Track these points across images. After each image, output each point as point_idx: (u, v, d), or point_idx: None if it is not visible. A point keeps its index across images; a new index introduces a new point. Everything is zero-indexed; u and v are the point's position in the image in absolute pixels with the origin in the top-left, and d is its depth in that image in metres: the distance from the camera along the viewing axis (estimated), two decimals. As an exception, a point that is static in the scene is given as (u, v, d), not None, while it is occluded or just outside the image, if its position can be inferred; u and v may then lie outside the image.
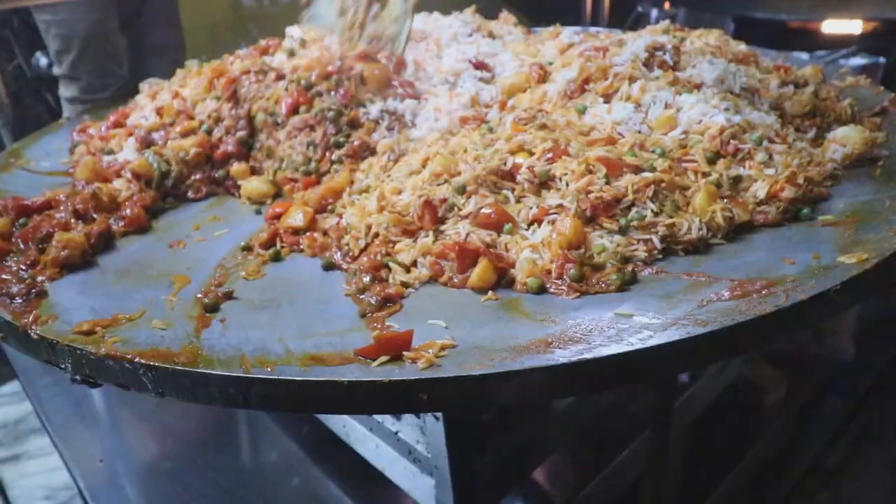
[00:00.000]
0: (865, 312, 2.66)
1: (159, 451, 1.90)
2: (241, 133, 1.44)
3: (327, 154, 1.36)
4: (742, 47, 1.70)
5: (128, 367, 0.93)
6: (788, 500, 2.50)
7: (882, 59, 2.92)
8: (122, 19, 2.82)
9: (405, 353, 0.89)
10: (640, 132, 1.26)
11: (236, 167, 1.45)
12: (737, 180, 1.18)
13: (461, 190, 1.17)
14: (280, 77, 1.47)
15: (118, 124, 1.69)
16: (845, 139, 1.32)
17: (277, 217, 1.32)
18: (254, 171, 1.47)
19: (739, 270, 1.03)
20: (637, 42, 1.47)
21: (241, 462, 1.86)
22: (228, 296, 1.12)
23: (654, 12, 3.06)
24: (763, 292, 0.94)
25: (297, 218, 1.24)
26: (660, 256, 1.10)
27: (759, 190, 1.15)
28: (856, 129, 1.34)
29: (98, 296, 1.14)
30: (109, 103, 2.38)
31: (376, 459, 1.51)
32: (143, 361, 0.92)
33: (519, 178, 1.19)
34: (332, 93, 1.40)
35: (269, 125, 1.42)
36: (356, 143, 1.36)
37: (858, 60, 2.92)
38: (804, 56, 2.85)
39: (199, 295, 1.13)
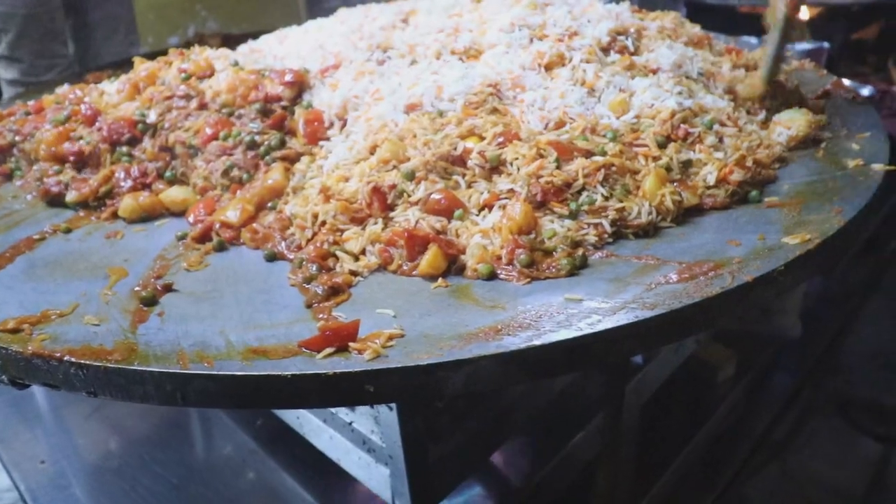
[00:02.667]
0: (811, 291, 2.75)
1: (106, 448, 1.83)
2: (156, 165, 1.36)
3: (259, 162, 1.30)
4: (696, 30, 1.71)
5: (57, 366, 0.88)
6: (739, 473, 2.58)
7: (826, 44, 2.99)
8: None
9: (351, 344, 0.86)
10: (592, 116, 1.25)
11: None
12: (687, 164, 1.18)
13: (410, 176, 1.14)
14: (203, 106, 1.40)
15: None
16: (790, 122, 1.34)
17: (203, 216, 1.25)
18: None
19: (688, 253, 1.03)
20: (601, 25, 1.45)
21: (192, 457, 1.81)
22: (168, 288, 1.07)
23: (607, -3, 3.05)
24: (710, 274, 0.95)
25: (231, 214, 1.18)
26: (610, 240, 1.09)
27: (709, 174, 1.15)
28: (800, 112, 1.36)
29: (26, 291, 1.08)
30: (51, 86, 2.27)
31: (331, 450, 1.48)
32: (73, 360, 0.87)
33: (470, 163, 1.17)
34: (254, 122, 1.34)
35: (185, 154, 1.35)
36: (288, 148, 1.31)
37: (804, 45, 2.99)
38: (753, 40, 2.90)
39: (137, 288, 1.08)
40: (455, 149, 1.18)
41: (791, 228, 1.05)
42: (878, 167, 1.19)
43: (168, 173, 1.36)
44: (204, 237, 1.21)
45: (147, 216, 1.30)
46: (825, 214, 1.07)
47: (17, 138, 1.51)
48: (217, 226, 1.21)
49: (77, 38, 2.78)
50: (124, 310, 1.02)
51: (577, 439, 1.70)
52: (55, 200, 1.39)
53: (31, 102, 1.72)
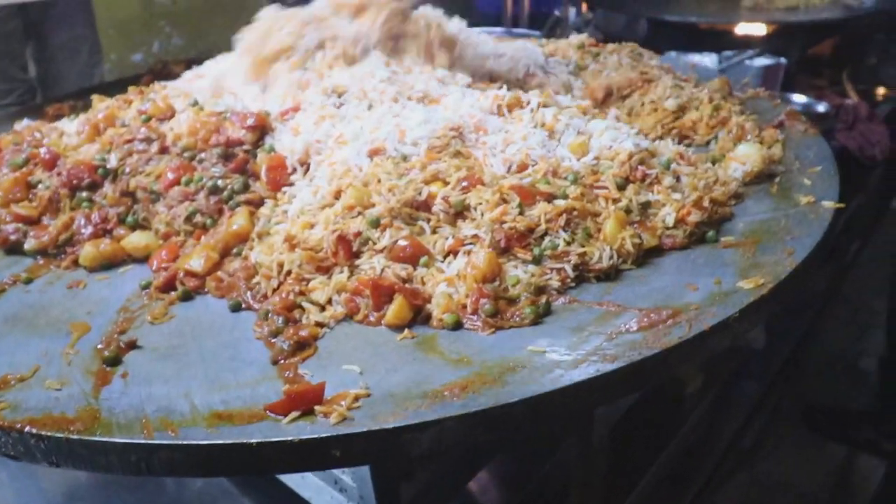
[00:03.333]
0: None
1: (73, 492, 1.80)
2: (117, 210, 1.34)
3: (223, 207, 1.30)
4: (654, 61, 1.75)
5: (18, 437, 0.86)
6: (709, 483, 2.63)
7: (783, 60, 3.08)
8: (26, 18, 2.60)
9: (317, 407, 0.86)
10: (554, 158, 1.27)
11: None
12: (646, 205, 1.21)
13: (375, 223, 1.15)
14: (163, 149, 1.38)
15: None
16: (745, 157, 1.38)
17: (167, 263, 1.24)
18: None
19: (647, 298, 1.06)
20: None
21: (162, 497, 1.78)
22: (132, 345, 1.06)
23: (572, 15, 3.11)
24: (668, 322, 0.97)
25: (196, 262, 1.17)
26: (573, 285, 1.12)
27: (668, 216, 1.18)
28: (755, 148, 1.40)
29: (-15, 351, 1.06)
30: (10, 112, 2.22)
31: (303, 489, 1.48)
32: (34, 431, 0.86)
33: (434, 208, 1.18)
34: (216, 166, 1.33)
35: (147, 199, 1.34)
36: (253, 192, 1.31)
37: (763, 61, 3.07)
38: (712, 63, 2.98)
39: (100, 345, 1.06)
40: (419, 194, 1.19)
41: (746, 271, 1.08)
42: (828, 205, 1.23)
43: (130, 218, 1.35)
44: (168, 286, 1.20)
45: (109, 264, 1.29)
46: (778, 256, 1.11)
47: (-28, 182, 1.47)
48: (181, 274, 1.20)
49: (39, 59, 2.72)
50: (87, 371, 1.00)
51: (549, 465, 1.72)
52: (14, 248, 1.37)
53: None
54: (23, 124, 1.80)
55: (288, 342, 1.02)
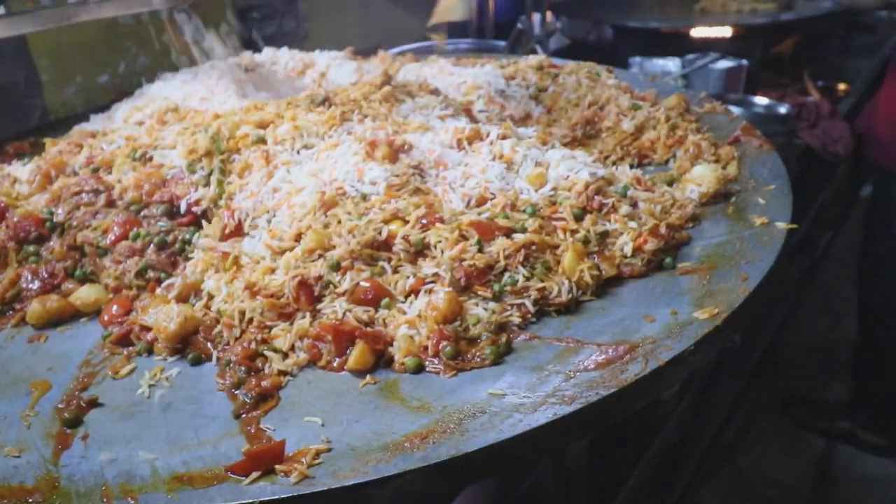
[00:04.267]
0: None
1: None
2: (65, 264, 1.33)
3: (176, 259, 1.29)
4: (612, 81, 1.77)
5: (-26, 513, 0.85)
6: (692, 480, 2.67)
7: (745, 62, 3.13)
8: None
9: (277, 466, 0.87)
10: (512, 190, 1.28)
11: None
12: (604, 235, 1.22)
13: (336, 266, 1.15)
14: (110, 202, 1.37)
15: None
16: (701, 178, 1.40)
17: (119, 319, 1.22)
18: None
19: (606, 332, 1.07)
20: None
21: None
22: (93, 403, 1.05)
23: (537, 26, 3.12)
24: (625, 358, 0.99)
25: (169, 322, 1.12)
26: (533, 319, 1.13)
27: (625, 245, 1.20)
28: (710, 168, 1.42)
29: (-58, 417, 1.05)
30: None
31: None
32: (-10, 505, 0.85)
33: (395, 247, 1.19)
34: (161, 221, 1.32)
35: (94, 254, 1.32)
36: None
37: (725, 63, 3.12)
38: (676, 67, 3.01)
39: (60, 405, 1.05)
40: (380, 233, 1.20)
41: (701, 300, 1.10)
42: (781, 226, 1.26)
43: (78, 272, 1.32)
44: (124, 341, 1.18)
45: (57, 321, 1.26)
46: (732, 282, 1.13)
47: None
48: (137, 328, 1.18)
49: None
50: (47, 434, 0.99)
51: (526, 484, 1.73)
52: None
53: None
54: (-23, 167, 1.79)
55: (250, 394, 1.02)
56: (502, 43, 3.34)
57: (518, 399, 0.94)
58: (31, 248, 1.36)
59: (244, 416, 1.00)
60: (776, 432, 3.52)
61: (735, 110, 2.20)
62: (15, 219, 1.37)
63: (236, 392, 1.04)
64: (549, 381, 0.97)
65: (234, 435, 0.96)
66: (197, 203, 1.34)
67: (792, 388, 3.68)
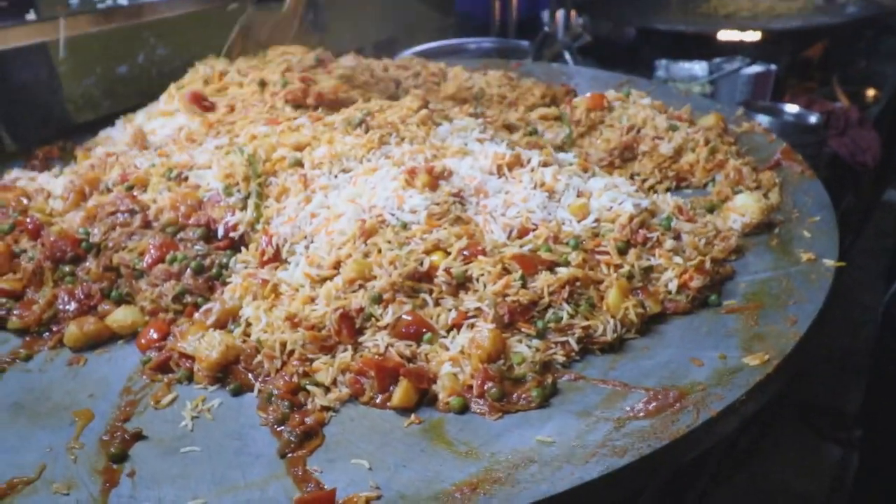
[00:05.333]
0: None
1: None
2: (101, 285, 1.32)
3: (214, 283, 1.28)
4: (646, 101, 1.74)
5: (27, 556, 0.86)
6: (708, 485, 2.66)
7: (773, 67, 3.08)
8: None
9: (329, 515, 0.86)
10: (554, 221, 1.26)
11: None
12: (648, 270, 1.21)
13: (378, 299, 1.14)
14: (146, 223, 1.36)
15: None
16: (744, 208, 1.38)
17: (156, 343, 1.22)
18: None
19: (652, 375, 1.06)
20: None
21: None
22: (137, 436, 1.05)
23: (561, 28, 3.07)
24: (675, 406, 0.97)
25: (211, 351, 1.13)
26: (577, 358, 1.11)
27: (670, 282, 1.18)
28: (752, 198, 1.40)
29: (-11, 447, 1.05)
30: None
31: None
32: (43, 550, 0.85)
33: (436, 279, 1.17)
34: (198, 245, 1.31)
35: (130, 275, 1.32)
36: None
37: (755, 68, 3.07)
38: (702, 71, 2.96)
39: (105, 437, 1.05)
40: (421, 265, 1.18)
41: (749, 343, 1.08)
42: (830, 263, 1.23)
43: (114, 293, 1.32)
44: (164, 367, 1.18)
45: (95, 343, 1.26)
46: (781, 325, 1.11)
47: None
48: (176, 355, 1.18)
49: None
50: (94, 470, 0.99)
51: None
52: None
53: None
54: (12, 175, 1.78)
55: (295, 432, 1.01)
56: (525, 43, 3.30)
57: (567, 448, 0.93)
58: (67, 269, 1.36)
59: (290, 455, 0.99)
60: (793, 440, 3.50)
61: (763, 119, 2.16)
62: (51, 238, 1.37)
63: (280, 429, 1.04)
64: (598, 429, 0.96)
65: (281, 477, 0.96)
66: (234, 228, 1.33)
67: (810, 397, 3.65)
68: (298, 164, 1.39)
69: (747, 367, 1.03)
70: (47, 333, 1.30)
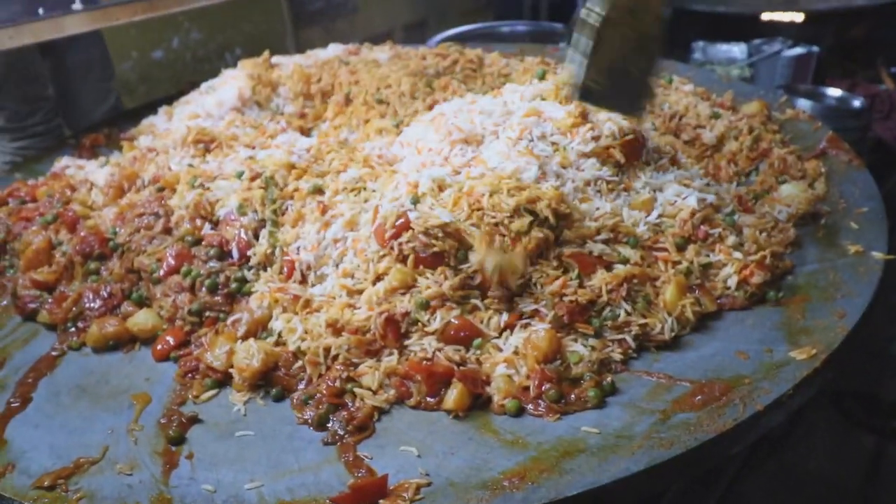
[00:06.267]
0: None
1: None
2: (122, 286, 1.36)
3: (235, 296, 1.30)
4: (688, 87, 1.71)
5: (97, 532, 0.90)
6: (739, 472, 2.65)
7: (815, 48, 3.00)
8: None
9: (381, 501, 0.89)
10: (616, 215, 1.24)
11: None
12: (706, 266, 1.20)
13: (425, 305, 1.13)
14: (167, 229, 1.39)
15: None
16: (790, 199, 1.36)
17: (174, 351, 1.23)
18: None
19: (698, 367, 1.06)
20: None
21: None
22: (193, 420, 1.09)
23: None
24: (722, 400, 0.98)
25: (251, 360, 1.12)
26: (634, 356, 1.11)
27: (730, 278, 1.17)
28: (798, 188, 1.38)
29: (54, 428, 1.10)
30: (41, 150, 2.25)
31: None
32: (113, 528, 0.89)
33: (490, 293, 1.14)
34: (212, 262, 1.32)
35: (148, 280, 1.35)
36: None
37: (796, 50, 2.99)
38: (741, 53, 2.90)
39: (163, 420, 1.10)
40: (472, 279, 1.15)
41: (796, 337, 1.08)
42: (878, 256, 1.22)
43: (134, 295, 1.35)
44: (192, 373, 1.19)
45: (116, 344, 1.28)
46: (828, 319, 1.10)
47: (8, 237, 1.51)
48: (203, 366, 1.18)
49: (54, 79, 2.74)
50: (154, 451, 1.04)
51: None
52: (32, 315, 1.37)
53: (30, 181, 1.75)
54: (63, 163, 1.84)
55: (342, 424, 1.03)
56: (560, 25, 3.26)
57: (613, 439, 0.95)
58: (93, 266, 1.40)
59: (340, 443, 1.02)
60: (826, 428, 3.46)
61: (805, 104, 2.11)
62: (83, 233, 1.42)
63: (325, 425, 1.05)
64: (644, 421, 0.97)
65: (333, 462, 0.99)
66: (248, 247, 1.34)
67: (843, 384, 3.60)
68: (319, 191, 1.38)
69: (794, 361, 1.03)
70: (73, 328, 1.33)
